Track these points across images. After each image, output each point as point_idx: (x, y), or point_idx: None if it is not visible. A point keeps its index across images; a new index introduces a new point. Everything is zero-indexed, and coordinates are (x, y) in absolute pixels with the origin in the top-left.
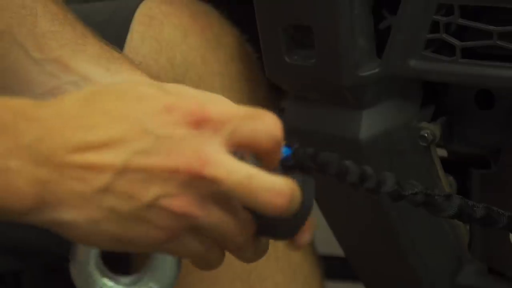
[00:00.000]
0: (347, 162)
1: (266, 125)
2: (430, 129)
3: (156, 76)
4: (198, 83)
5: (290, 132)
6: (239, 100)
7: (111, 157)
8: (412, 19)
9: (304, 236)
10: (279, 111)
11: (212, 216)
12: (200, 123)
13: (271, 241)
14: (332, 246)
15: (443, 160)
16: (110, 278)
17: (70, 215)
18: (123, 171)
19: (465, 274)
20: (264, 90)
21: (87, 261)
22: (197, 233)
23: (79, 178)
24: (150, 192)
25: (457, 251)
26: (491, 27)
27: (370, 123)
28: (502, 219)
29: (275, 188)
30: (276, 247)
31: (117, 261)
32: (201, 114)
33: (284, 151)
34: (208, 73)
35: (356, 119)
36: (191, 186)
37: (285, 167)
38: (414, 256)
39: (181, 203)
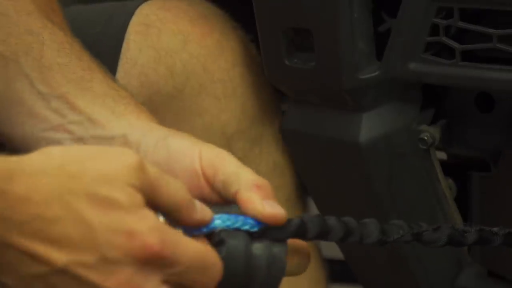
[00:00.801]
0: (330, 221)
1: (209, 277)
2: (430, 132)
3: (155, 85)
4: (199, 91)
5: (290, 135)
6: (242, 105)
7: (56, 255)
8: (411, 22)
9: None
10: (282, 115)
11: None
12: (151, 262)
13: None
14: (335, 250)
15: (442, 163)
16: None
17: (6, 280)
18: (61, 271)
19: (464, 277)
20: (268, 94)
21: None
22: None
23: (20, 261)
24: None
25: (457, 254)
26: (491, 30)
27: (369, 126)
28: (496, 238)
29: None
30: None
31: None
32: (156, 254)
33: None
34: (210, 81)
35: (356, 122)
36: None
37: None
38: (414, 259)
39: None
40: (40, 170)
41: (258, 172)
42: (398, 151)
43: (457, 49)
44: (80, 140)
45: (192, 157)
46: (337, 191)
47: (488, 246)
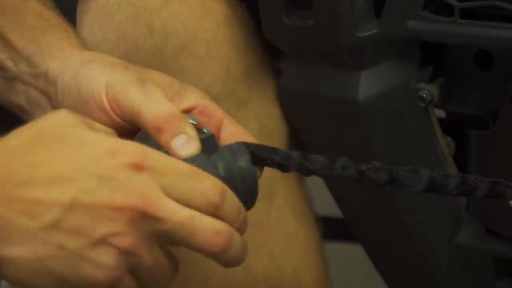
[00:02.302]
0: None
1: (204, 187)
2: (428, 90)
3: (133, 42)
4: (181, 50)
5: (288, 94)
6: (227, 67)
7: (58, 194)
8: None
9: None
10: (278, 73)
11: (154, 257)
12: (140, 167)
13: (271, 206)
14: (331, 207)
15: (441, 121)
16: None
17: (16, 251)
18: (70, 207)
19: (463, 234)
20: (254, 55)
21: None
22: (134, 274)
23: (27, 213)
24: (97, 229)
25: (455, 212)
26: None
27: (368, 84)
28: (481, 186)
29: (215, 228)
30: (270, 216)
31: None
32: (142, 159)
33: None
34: (192, 40)
35: (354, 80)
36: (136, 225)
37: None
38: (412, 217)
39: (128, 241)
40: (10, 143)
41: None
42: (396, 109)
43: (456, 7)
44: (16, 78)
45: (99, 95)
46: (335, 149)
47: (472, 195)
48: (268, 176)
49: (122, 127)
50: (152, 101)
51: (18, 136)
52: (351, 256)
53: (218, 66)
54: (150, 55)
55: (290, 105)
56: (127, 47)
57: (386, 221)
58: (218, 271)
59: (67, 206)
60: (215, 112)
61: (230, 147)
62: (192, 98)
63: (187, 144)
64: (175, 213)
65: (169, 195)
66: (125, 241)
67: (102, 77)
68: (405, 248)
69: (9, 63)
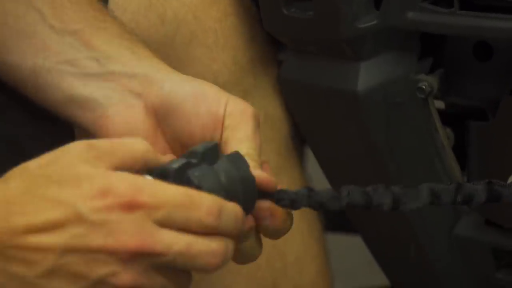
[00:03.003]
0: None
1: (200, 215)
2: (428, 81)
3: (145, 32)
4: (191, 40)
5: (287, 85)
6: (234, 55)
7: (52, 240)
8: None
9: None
10: (278, 64)
11: (157, 285)
12: (133, 206)
13: None
14: None
15: (440, 112)
16: None
17: None
18: (65, 252)
19: (462, 226)
20: (261, 45)
21: None
22: None
23: (23, 261)
24: (95, 272)
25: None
26: None
27: (368, 76)
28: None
29: (212, 250)
30: None
31: None
32: (134, 197)
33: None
34: (201, 30)
35: (354, 72)
36: (134, 263)
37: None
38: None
39: (127, 278)
40: (9, 182)
41: None
42: (396, 100)
43: None
44: (93, 76)
45: (218, 102)
46: (335, 141)
47: (473, 203)
48: (272, 166)
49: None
50: (254, 141)
51: (14, 184)
52: (351, 247)
53: (225, 55)
54: (161, 45)
55: (290, 96)
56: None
57: (386, 212)
58: None
59: (61, 251)
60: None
61: (229, 156)
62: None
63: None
64: (172, 244)
65: (164, 226)
66: (124, 279)
67: (226, 95)
68: (405, 239)
69: (86, 62)
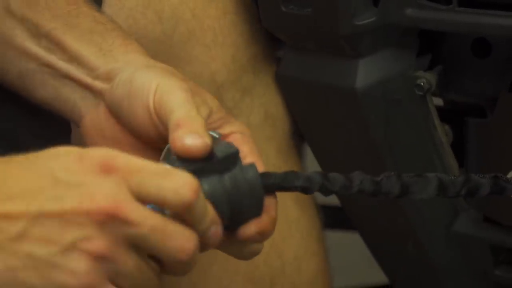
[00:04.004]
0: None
1: (175, 185)
2: (426, 78)
3: (143, 29)
4: (189, 38)
5: (286, 81)
6: (233, 54)
7: (25, 205)
8: None
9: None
10: (277, 61)
11: (132, 263)
12: (108, 170)
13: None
14: (331, 196)
15: (439, 109)
16: None
17: None
18: (37, 217)
19: (461, 222)
20: (260, 43)
21: None
22: (115, 284)
23: None
24: (67, 235)
25: (453, 200)
26: None
27: (366, 72)
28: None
29: (186, 235)
30: None
31: None
32: (109, 161)
33: None
34: (199, 28)
35: (352, 68)
36: (107, 229)
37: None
38: (410, 205)
39: (99, 245)
40: None
41: (249, 122)
42: (394, 97)
43: None
44: (67, 77)
45: (148, 92)
46: (333, 138)
47: (478, 195)
48: (270, 164)
49: (158, 135)
50: (188, 108)
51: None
52: (350, 245)
53: (224, 53)
54: (159, 43)
55: (288, 93)
56: (137, 35)
57: (384, 209)
58: (219, 258)
59: (34, 216)
60: (247, 144)
61: (242, 167)
62: (234, 126)
63: (196, 138)
64: (147, 217)
65: (139, 196)
66: (96, 245)
67: (155, 79)
68: (403, 236)
69: (60, 64)
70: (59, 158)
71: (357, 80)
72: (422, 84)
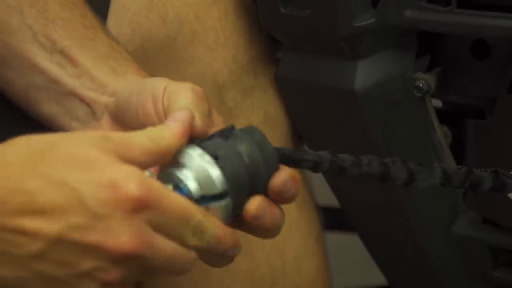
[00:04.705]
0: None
1: (192, 230)
2: (425, 80)
3: (147, 33)
4: (192, 39)
5: (285, 83)
6: (234, 55)
7: (47, 226)
8: None
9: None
10: (277, 63)
11: (133, 278)
12: (138, 209)
13: None
14: (330, 197)
15: (438, 111)
16: None
17: (3, 269)
18: (57, 241)
19: (459, 224)
20: (261, 44)
21: None
22: None
23: (13, 242)
24: (84, 263)
25: (452, 201)
26: None
27: (365, 74)
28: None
29: (190, 259)
30: None
31: None
32: (142, 199)
33: None
34: (202, 29)
35: (351, 70)
36: (124, 264)
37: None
38: (409, 206)
39: (114, 276)
40: (8, 161)
41: (249, 122)
42: (393, 98)
43: None
44: (71, 93)
45: (159, 87)
46: (332, 139)
47: (479, 188)
48: None
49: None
50: (193, 107)
51: (14, 153)
52: (350, 246)
53: (225, 54)
54: (163, 45)
55: (287, 94)
56: (141, 39)
57: (384, 211)
58: None
59: (54, 239)
60: None
61: (243, 129)
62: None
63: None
64: (161, 250)
65: (158, 231)
66: (111, 276)
67: (165, 80)
68: (402, 237)
69: (67, 79)
70: (92, 174)
71: (356, 82)
72: (421, 85)
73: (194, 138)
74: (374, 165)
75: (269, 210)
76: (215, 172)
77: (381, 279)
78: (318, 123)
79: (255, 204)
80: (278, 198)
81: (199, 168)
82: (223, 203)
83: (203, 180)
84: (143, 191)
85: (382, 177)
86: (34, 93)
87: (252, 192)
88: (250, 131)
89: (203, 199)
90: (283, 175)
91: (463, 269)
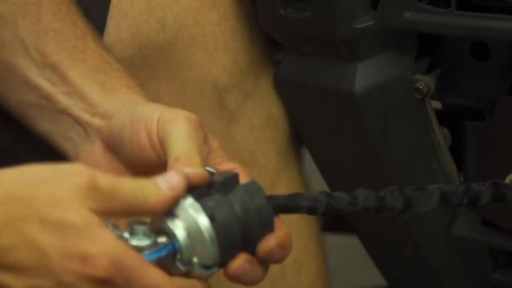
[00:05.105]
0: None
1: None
2: (425, 81)
3: (146, 37)
4: (191, 44)
5: (284, 85)
6: (233, 60)
7: (12, 282)
8: None
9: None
10: (277, 64)
11: None
12: (105, 285)
13: None
14: None
15: (437, 112)
16: None
17: None
18: None
19: (459, 226)
20: (261, 47)
21: None
22: None
23: None
24: None
25: None
26: None
27: (365, 76)
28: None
29: None
30: None
31: None
32: (113, 276)
33: None
34: (201, 34)
35: (351, 72)
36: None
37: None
38: None
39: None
40: None
41: (251, 124)
42: (393, 100)
43: None
44: (64, 112)
45: (152, 118)
46: (332, 140)
47: (478, 204)
48: (271, 166)
49: (158, 159)
50: (189, 144)
51: (2, 193)
52: (349, 247)
53: (225, 59)
54: (162, 50)
55: (287, 96)
56: (140, 43)
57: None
58: None
59: None
60: (248, 178)
61: (245, 186)
62: (233, 164)
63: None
64: None
65: None
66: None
67: (159, 108)
68: (402, 239)
69: (59, 97)
70: (64, 239)
71: (355, 83)
72: (420, 87)
73: (192, 189)
74: (370, 200)
75: (251, 270)
76: (209, 242)
77: (380, 281)
78: (318, 125)
79: (237, 264)
80: (265, 260)
81: (193, 232)
82: (210, 272)
83: (196, 245)
84: (112, 272)
85: (379, 210)
86: (28, 110)
87: (241, 249)
88: (252, 190)
89: (189, 264)
90: (271, 242)
91: (463, 271)
